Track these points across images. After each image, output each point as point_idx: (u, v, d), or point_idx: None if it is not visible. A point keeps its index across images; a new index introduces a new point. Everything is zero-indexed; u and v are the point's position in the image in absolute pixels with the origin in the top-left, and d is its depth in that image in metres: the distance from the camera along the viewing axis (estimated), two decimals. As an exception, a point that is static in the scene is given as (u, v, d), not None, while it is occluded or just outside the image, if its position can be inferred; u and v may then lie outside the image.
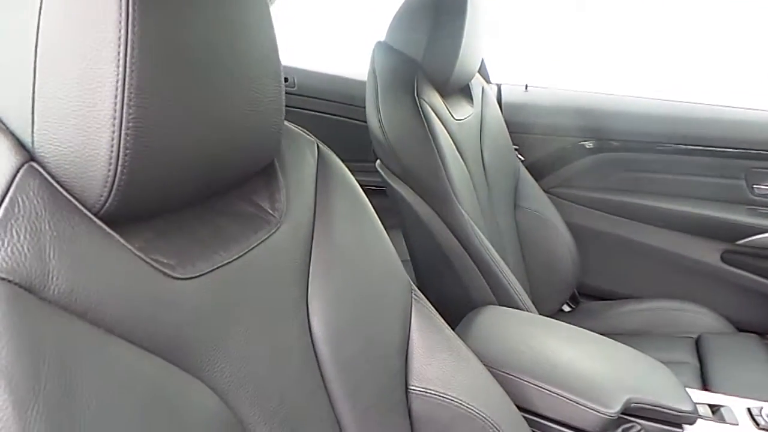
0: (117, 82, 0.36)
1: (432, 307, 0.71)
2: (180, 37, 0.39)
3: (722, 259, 1.41)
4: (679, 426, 0.74)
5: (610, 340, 0.87)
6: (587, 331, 0.90)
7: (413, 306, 0.67)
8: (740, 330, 1.30)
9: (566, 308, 1.50)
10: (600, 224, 1.52)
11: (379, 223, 0.67)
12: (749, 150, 1.34)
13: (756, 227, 1.34)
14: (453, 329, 0.71)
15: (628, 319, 1.37)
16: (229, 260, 0.47)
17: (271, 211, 0.54)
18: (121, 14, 0.35)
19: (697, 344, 1.23)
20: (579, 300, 1.52)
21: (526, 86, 1.59)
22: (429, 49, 1.04)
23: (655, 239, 1.47)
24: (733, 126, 1.36)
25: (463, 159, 1.12)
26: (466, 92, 1.26)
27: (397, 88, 1.02)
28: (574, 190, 1.54)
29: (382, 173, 1.08)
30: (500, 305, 1.01)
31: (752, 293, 1.39)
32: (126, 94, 0.36)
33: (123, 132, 0.36)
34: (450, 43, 1.04)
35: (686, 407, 0.73)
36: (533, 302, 1.16)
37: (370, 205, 0.67)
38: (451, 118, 1.12)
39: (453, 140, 1.10)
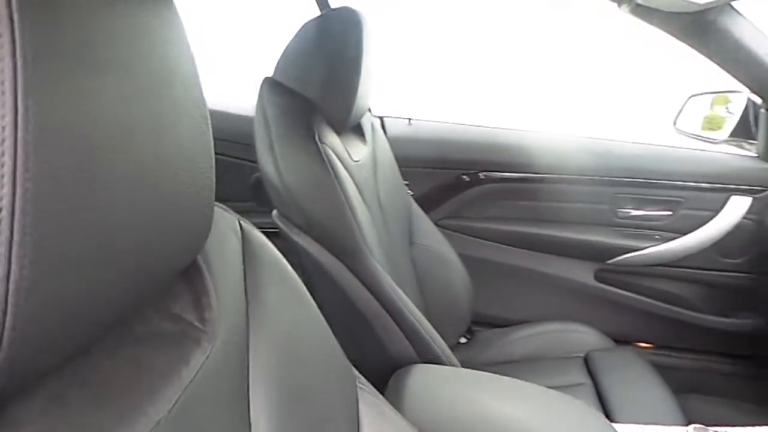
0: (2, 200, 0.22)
1: (374, 389, 0.63)
2: (87, 120, 0.27)
3: (596, 278, 1.53)
4: None
5: (535, 386, 0.86)
6: (509, 378, 0.88)
7: (359, 396, 0.59)
8: (617, 342, 1.40)
9: (463, 340, 1.50)
10: (487, 253, 1.56)
11: (313, 303, 0.58)
12: (612, 178, 1.46)
13: (622, 247, 1.47)
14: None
15: (521, 344, 1.41)
16: (159, 418, 0.34)
17: (200, 325, 0.41)
18: (4, 104, 0.22)
19: (587, 363, 1.30)
20: (473, 330, 1.53)
21: (410, 120, 1.58)
22: (327, 87, 0.95)
23: (537, 264, 1.55)
24: (599, 156, 1.47)
25: (365, 203, 1.05)
26: (358, 130, 1.19)
27: (295, 131, 0.92)
28: (461, 221, 1.56)
29: (281, 225, 0.96)
30: (422, 361, 0.95)
31: (622, 307, 1.52)
32: (19, 226, 0.23)
33: (10, 286, 0.23)
34: (349, 81, 0.96)
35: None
36: None
37: (301, 284, 0.57)
38: (351, 161, 1.04)
39: (355, 184, 1.02)
